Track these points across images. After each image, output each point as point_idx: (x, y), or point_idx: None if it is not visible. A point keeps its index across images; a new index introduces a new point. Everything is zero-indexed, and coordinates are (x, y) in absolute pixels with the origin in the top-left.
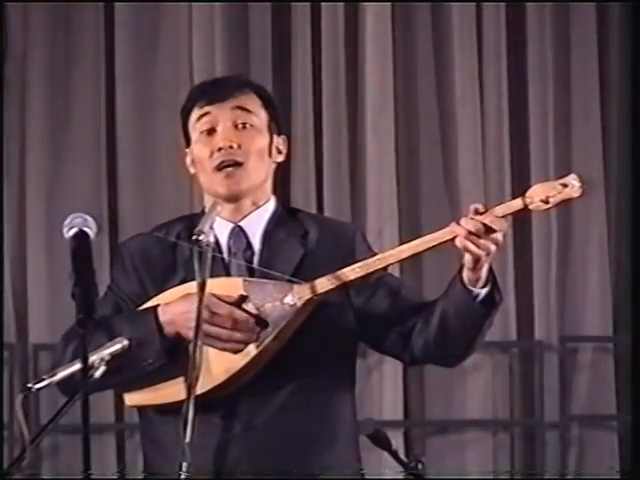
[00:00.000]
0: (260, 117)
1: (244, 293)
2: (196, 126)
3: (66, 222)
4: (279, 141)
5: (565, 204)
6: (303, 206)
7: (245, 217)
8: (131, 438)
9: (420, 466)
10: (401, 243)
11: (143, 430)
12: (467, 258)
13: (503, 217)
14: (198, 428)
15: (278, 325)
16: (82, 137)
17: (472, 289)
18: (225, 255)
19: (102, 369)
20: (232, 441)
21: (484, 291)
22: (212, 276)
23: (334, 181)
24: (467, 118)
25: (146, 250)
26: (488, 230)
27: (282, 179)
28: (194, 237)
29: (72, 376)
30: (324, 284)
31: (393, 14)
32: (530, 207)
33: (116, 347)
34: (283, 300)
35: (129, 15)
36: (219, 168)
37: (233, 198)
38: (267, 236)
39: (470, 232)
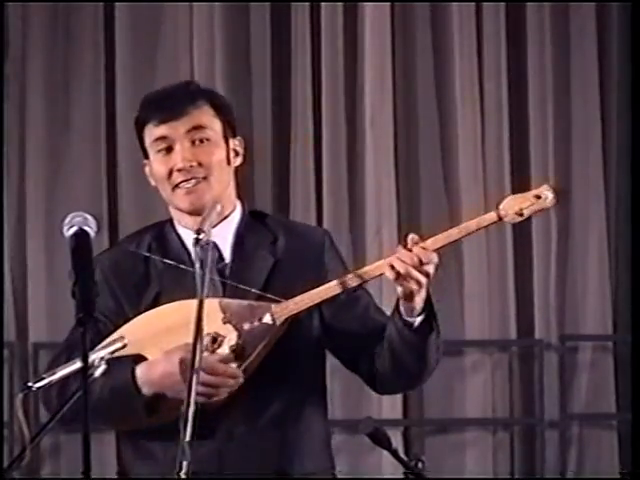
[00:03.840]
0: (215, 129)
1: (221, 330)
2: (152, 145)
3: (66, 221)
4: (235, 143)
5: (565, 203)
6: (302, 206)
7: (213, 228)
8: None
9: (420, 465)
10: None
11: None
12: (399, 290)
13: (441, 247)
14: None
15: (257, 346)
16: (82, 137)
17: (407, 319)
18: (198, 268)
19: (102, 368)
20: (213, 452)
21: (419, 319)
22: (188, 293)
23: (333, 180)
24: (467, 117)
25: (118, 264)
26: (420, 263)
27: (280, 178)
28: (194, 236)
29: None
30: (301, 302)
31: (392, 13)
32: (505, 219)
33: (116, 346)
34: (262, 320)
35: (129, 15)
36: (179, 186)
37: (197, 212)
38: (237, 246)
39: (402, 265)
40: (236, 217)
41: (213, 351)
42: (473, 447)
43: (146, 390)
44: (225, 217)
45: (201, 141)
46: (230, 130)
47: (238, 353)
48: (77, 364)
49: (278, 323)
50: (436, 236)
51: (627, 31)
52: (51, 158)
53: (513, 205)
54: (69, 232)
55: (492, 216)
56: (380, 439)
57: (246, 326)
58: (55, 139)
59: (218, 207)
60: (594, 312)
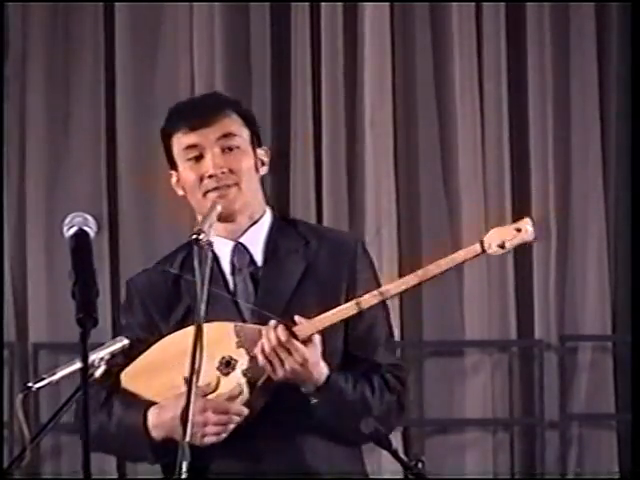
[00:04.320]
0: (243, 137)
1: (234, 356)
2: (182, 154)
3: (66, 221)
4: (261, 153)
5: (564, 203)
6: (302, 206)
7: (244, 233)
8: None
9: (421, 465)
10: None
11: None
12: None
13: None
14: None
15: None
16: (82, 137)
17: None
18: (229, 272)
19: (102, 368)
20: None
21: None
22: (219, 311)
23: (333, 180)
24: (467, 117)
25: (151, 283)
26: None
27: (280, 179)
28: (194, 236)
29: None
30: (319, 323)
31: (392, 13)
32: (488, 252)
33: (116, 346)
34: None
35: (129, 15)
36: (211, 192)
37: (228, 217)
38: (268, 250)
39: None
40: (266, 222)
41: (227, 374)
42: (473, 447)
43: (156, 434)
44: (255, 222)
45: (230, 149)
46: (257, 139)
47: (250, 378)
48: (77, 365)
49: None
50: (427, 267)
51: (627, 31)
52: (51, 158)
53: (496, 238)
54: (69, 232)
55: (476, 248)
56: (380, 439)
57: (255, 349)
58: (55, 139)
59: (218, 208)
60: (594, 312)
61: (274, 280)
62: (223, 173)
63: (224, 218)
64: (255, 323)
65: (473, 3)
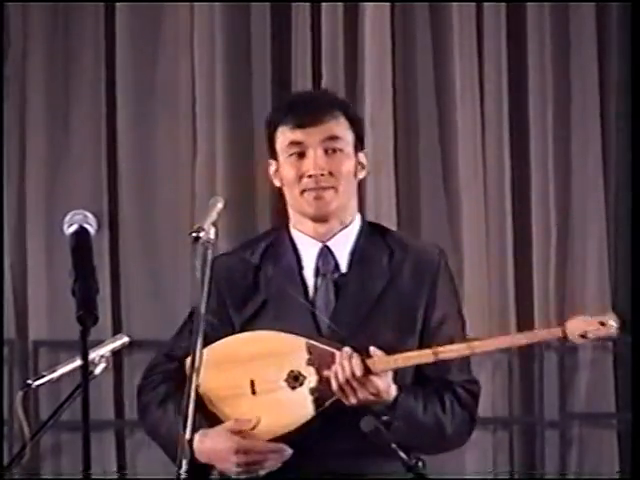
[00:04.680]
0: (347, 140)
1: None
2: (285, 148)
3: (66, 219)
4: (362, 156)
5: (564, 204)
6: None
7: (333, 237)
8: (131, 435)
9: (421, 464)
10: None
11: None
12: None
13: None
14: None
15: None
16: (82, 136)
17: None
18: (312, 276)
19: (102, 366)
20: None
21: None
22: (292, 302)
23: None
24: (466, 117)
25: (230, 269)
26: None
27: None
28: (194, 234)
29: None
30: (394, 362)
31: (392, 13)
32: (569, 338)
33: (116, 344)
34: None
35: (129, 14)
36: (308, 191)
37: (321, 218)
38: (354, 257)
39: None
40: (356, 227)
41: (293, 388)
42: (473, 446)
43: (198, 457)
44: (345, 226)
45: (334, 151)
46: (360, 143)
47: (316, 397)
48: (77, 362)
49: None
50: (513, 335)
51: (627, 31)
52: (51, 157)
53: (578, 327)
54: (69, 230)
55: (558, 332)
56: (381, 438)
57: (325, 372)
58: (55, 138)
59: (219, 205)
60: (593, 312)
61: (356, 290)
62: (322, 175)
63: (316, 219)
64: (330, 336)
65: (474, 3)
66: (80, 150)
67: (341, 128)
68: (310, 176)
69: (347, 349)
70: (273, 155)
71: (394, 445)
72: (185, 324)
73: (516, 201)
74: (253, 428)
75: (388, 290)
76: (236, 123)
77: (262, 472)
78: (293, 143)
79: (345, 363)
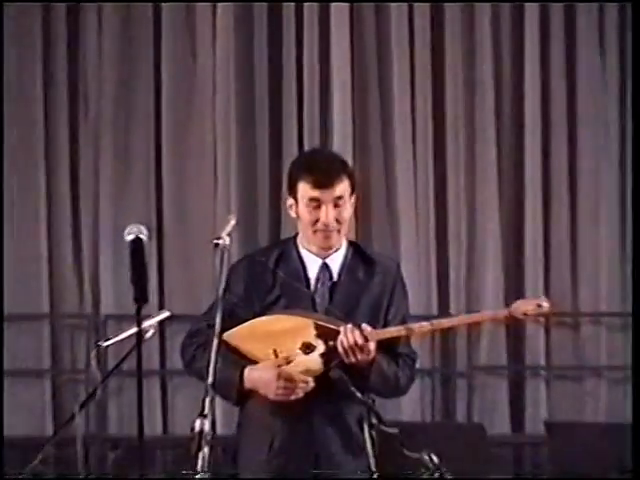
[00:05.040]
0: (348, 193)
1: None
2: (305, 200)
3: (126, 231)
4: (353, 197)
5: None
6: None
7: (329, 256)
8: (170, 380)
9: (371, 401)
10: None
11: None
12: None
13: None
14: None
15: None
16: (137, 167)
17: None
18: (314, 281)
19: (151, 332)
20: (309, 427)
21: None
22: (299, 300)
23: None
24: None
25: (251, 269)
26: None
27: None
28: (214, 241)
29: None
30: (387, 333)
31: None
32: (513, 314)
33: (160, 317)
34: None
35: (171, 90)
36: (319, 231)
37: (325, 248)
38: (343, 269)
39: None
40: (344, 248)
41: (307, 353)
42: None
43: (246, 384)
44: (338, 249)
45: (340, 204)
46: (353, 190)
47: (325, 359)
48: (133, 329)
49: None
50: (466, 315)
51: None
52: (117, 181)
53: (521, 308)
54: (128, 237)
55: (505, 312)
56: (343, 383)
57: (331, 343)
58: (119, 170)
59: (232, 221)
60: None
61: (344, 293)
62: (330, 222)
63: (323, 248)
64: (325, 320)
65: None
66: (136, 177)
67: (345, 187)
68: (323, 223)
69: (350, 325)
70: (293, 195)
71: (353, 388)
72: (212, 305)
73: (439, 206)
74: (289, 363)
75: (364, 293)
76: (244, 162)
77: (293, 397)
78: (312, 199)
79: (349, 334)
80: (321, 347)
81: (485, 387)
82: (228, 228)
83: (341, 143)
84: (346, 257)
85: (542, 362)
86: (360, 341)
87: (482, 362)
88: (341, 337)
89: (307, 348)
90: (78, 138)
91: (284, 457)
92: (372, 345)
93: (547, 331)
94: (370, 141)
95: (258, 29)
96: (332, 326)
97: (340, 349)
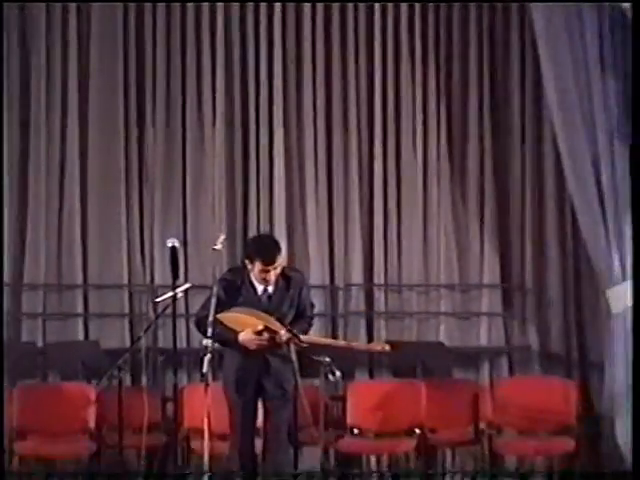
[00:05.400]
0: (281, 259)
1: (263, 328)
2: (258, 269)
3: (167, 241)
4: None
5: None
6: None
7: (268, 282)
8: (190, 321)
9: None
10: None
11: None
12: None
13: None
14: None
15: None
16: (174, 196)
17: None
18: (260, 294)
19: (180, 294)
20: (262, 364)
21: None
22: (252, 305)
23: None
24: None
25: (228, 283)
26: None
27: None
28: (213, 248)
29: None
30: (309, 340)
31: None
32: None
33: (185, 286)
34: (281, 332)
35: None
36: (263, 278)
37: (266, 283)
38: (276, 287)
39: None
40: (276, 274)
41: (277, 334)
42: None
43: (238, 339)
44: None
45: (276, 268)
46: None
47: (269, 337)
48: (170, 293)
49: (284, 339)
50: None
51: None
52: (163, 206)
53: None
54: (168, 244)
55: (377, 346)
56: (292, 333)
57: (276, 334)
58: (169, 190)
59: (222, 238)
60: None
61: (277, 300)
62: (271, 279)
63: (265, 282)
64: (266, 318)
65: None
66: (174, 207)
67: (280, 259)
68: (267, 279)
69: (283, 332)
70: (250, 261)
71: (294, 330)
72: (208, 298)
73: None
74: (258, 334)
75: (286, 297)
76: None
77: (257, 347)
78: (262, 270)
79: (284, 333)
80: (283, 332)
81: None
82: (221, 239)
83: None
84: (277, 278)
85: None
86: (284, 340)
87: None
88: (278, 336)
89: (275, 333)
90: (142, 179)
91: (245, 367)
92: (285, 336)
93: None
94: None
95: None
96: (273, 327)
97: (281, 337)
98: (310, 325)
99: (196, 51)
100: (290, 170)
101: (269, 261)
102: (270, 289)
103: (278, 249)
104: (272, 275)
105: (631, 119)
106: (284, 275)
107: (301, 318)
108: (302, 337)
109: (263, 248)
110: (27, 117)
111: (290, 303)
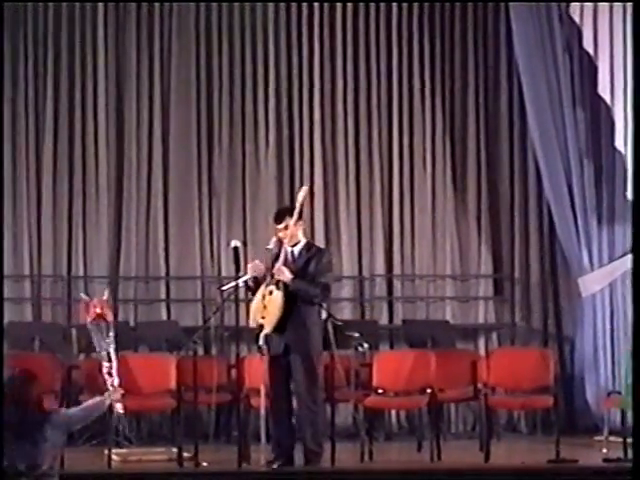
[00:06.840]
0: (290, 222)
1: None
2: (279, 229)
3: (231, 242)
4: (291, 220)
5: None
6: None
7: (295, 246)
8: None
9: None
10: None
11: None
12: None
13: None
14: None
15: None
16: (236, 206)
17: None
18: (289, 255)
19: (242, 284)
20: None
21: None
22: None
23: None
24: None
25: (274, 248)
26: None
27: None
28: (266, 248)
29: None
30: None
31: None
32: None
33: (244, 279)
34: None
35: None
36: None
37: (290, 244)
38: (301, 252)
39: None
40: (302, 242)
41: (274, 286)
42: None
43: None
44: (297, 242)
45: (286, 228)
46: (291, 216)
47: (274, 288)
48: (233, 283)
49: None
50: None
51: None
52: (228, 215)
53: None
54: (232, 245)
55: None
56: (295, 285)
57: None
58: (231, 200)
59: (273, 240)
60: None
61: (301, 262)
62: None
63: (283, 242)
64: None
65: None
66: (237, 215)
67: (288, 221)
68: (281, 239)
69: (280, 265)
70: (285, 224)
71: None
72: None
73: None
74: (271, 294)
75: (311, 260)
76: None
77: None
78: (277, 230)
79: (281, 269)
80: (278, 292)
81: None
82: (272, 242)
83: None
84: (302, 246)
85: None
86: (287, 277)
87: None
88: (275, 268)
89: (274, 286)
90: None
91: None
92: (286, 273)
93: None
94: None
95: None
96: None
97: (274, 271)
98: (316, 290)
99: (252, 84)
100: (327, 184)
101: (275, 220)
102: (296, 252)
103: (285, 212)
104: (286, 235)
105: (594, 141)
106: (312, 246)
107: (312, 281)
108: (296, 281)
109: (276, 212)
110: (122, 135)
111: (312, 266)
